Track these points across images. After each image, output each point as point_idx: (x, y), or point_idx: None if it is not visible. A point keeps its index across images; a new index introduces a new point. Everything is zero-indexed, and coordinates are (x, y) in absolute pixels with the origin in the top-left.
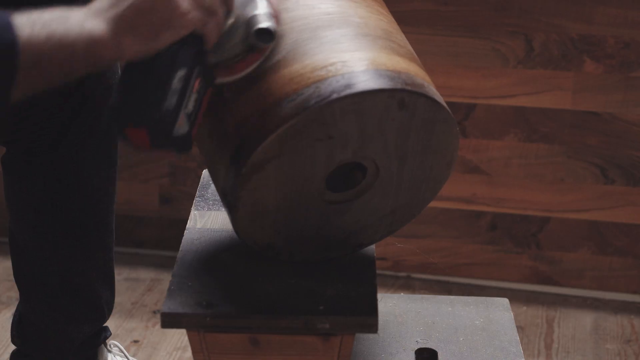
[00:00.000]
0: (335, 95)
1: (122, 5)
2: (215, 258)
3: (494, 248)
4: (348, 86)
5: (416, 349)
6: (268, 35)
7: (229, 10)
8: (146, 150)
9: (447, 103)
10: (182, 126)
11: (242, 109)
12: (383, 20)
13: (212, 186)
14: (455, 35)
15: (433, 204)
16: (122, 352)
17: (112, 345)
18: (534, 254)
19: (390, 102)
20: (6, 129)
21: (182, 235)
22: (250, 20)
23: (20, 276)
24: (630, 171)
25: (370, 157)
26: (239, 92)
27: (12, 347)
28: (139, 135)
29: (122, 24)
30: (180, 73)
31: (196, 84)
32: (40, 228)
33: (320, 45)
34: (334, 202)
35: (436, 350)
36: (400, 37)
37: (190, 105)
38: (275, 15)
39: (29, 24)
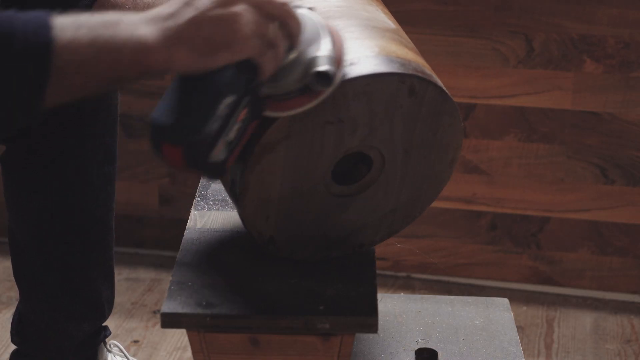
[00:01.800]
0: (347, 77)
1: (183, 17)
2: (215, 258)
3: (494, 248)
4: (358, 70)
5: (416, 349)
6: (326, 79)
7: (292, 46)
8: (178, 169)
9: None
10: (219, 153)
11: None
12: (389, 19)
13: (212, 186)
14: (456, 35)
15: (433, 203)
16: (122, 352)
17: (112, 345)
18: (534, 254)
19: (401, 87)
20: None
21: (182, 235)
22: (311, 61)
23: (20, 275)
24: (630, 171)
25: (376, 147)
26: None
27: (12, 347)
28: (174, 154)
29: (178, 35)
30: (228, 100)
31: (242, 114)
32: (40, 227)
33: None
34: (337, 195)
35: (436, 350)
36: (405, 36)
37: (232, 134)
38: (337, 60)
39: (73, 26)
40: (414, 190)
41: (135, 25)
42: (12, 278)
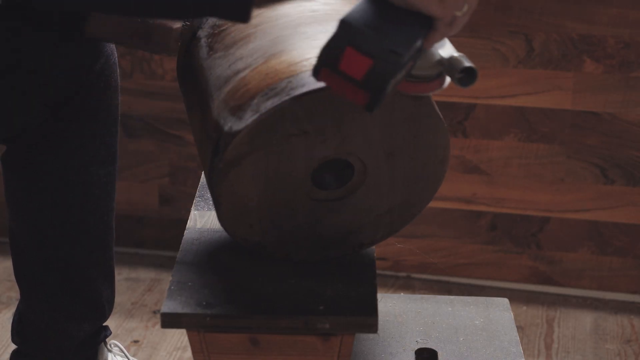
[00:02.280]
0: (305, 89)
1: None
2: (215, 258)
3: (494, 248)
4: (310, 85)
5: (416, 349)
6: (473, 76)
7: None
8: (340, 86)
9: (447, 103)
10: (391, 85)
11: (221, 108)
12: None
13: None
14: (456, 35)
15: (433, 204)
16: (122, 351)
17: (112, 345)
18: (534, 254)
19: None
20: (9, 125)
21: (182, 235)
22: (455, 58)
23: (21, 275)
24: (630, 171)
25: (354, 154)
26: (220, 91)
27: (13, 347)
28: (359, 63)
29: None
30: (419, 43)
31: (409, 65)
32: (40, 226)
33: (298, 42)
34: (322, 200)
35: (436, 350)
36: None
37: (400, 76)
38: None
39: None
40: (407, 191)
41: None
42: (12, 278)
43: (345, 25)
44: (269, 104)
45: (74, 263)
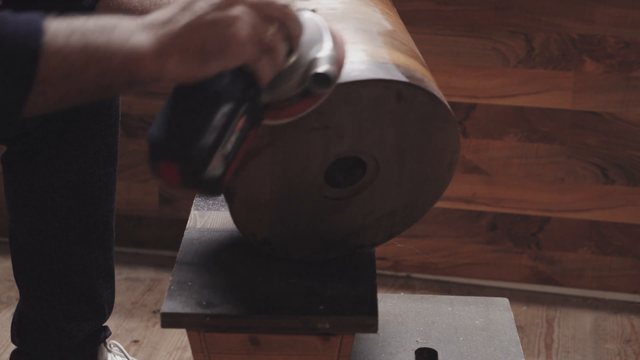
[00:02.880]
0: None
1: (179, 22)
2: (215, 258)
3: (494, 248)
4: (344, 75)
5: (416, 348)
6: (326, 81)
7: (292, 49)
8: (175, 188)
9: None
10: (215, 168)
11: None
12: (387, 20)
13: None
14: (456, 34)
15: None
16: (122, 351)
17: (112, 345)
18: (534, 253)
19: (387, 93)
20: (10, 128)
21: (182, 235)
22: (311, 63)
23: (21, 274)
24: (630, 171)
25: (368, 152)
26: None
27: (12, 347)
28: (170, 171)
29: (173, 42)
30: (225, 109)
31: (240, 123)
32: (40, 226)
33: None
34: (331, 197)
35: (436, 350)
36: (404, 36)
37: (229, 145)
38: (339, 61)
39: (67, 31)
40: (412, 193)
41: (131, 31)
42: (12, 278)
43: (148, 138)
44: None
45: (73, 263)
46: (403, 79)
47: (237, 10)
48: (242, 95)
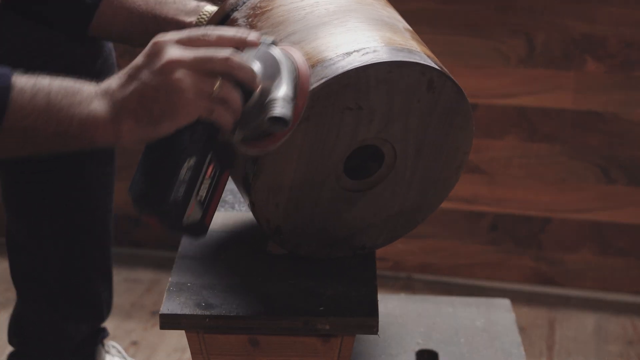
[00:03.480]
0: (373, 61)
1: (128, 89)
2: (215, 258)
3: (495, 249)
4: (382, 56)
5: (417, 350)
6: (282, 123)
7: (252, 89)
8: (165, 232)
9: None
10: (192, 214)
11: None
12: (397, 16)
13: None
14: (456, 34)
15: None
16: (121, 353)
17: (110, 346)
18: (536, 254)
19: (421, 79)
20: None
21: (181, 235)
22: (267, 105)
23: (18, 275)
24: (632, 171)
25: (389, 142)
26: None
27: (10, 349)
28: (153, 222)
29: (124, 108)
30: (190, 162)
31: (209, 170)
32: (38, 227)
33: (344, 25)
34: (348, 189)
35: (437, 351)
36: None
37: (203, 192)
38: (303, 88)
39: (32, 90)
40: (420, 194)
41: (90, 98)
42: (10, 279)
43: (129, 194)
44: (333, 72)
45: (71, 263)
46: (437, 66)
47: (179, 74)
48: (204, 146)
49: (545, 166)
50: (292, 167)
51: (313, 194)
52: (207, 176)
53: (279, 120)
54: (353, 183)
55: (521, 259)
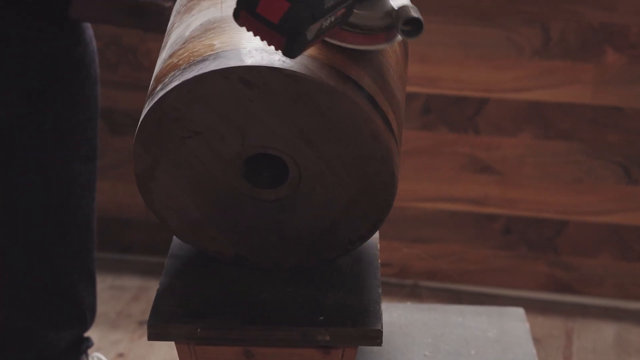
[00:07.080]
0: (173, 85)
1: None
2: (207, 264)
3: (508, 253)
4: (183, 76)
5: None
6: (419, 27)
7: None
8: (258, 29)
9: (457, 97)
10: (311, 31)
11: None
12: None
13: None
14: (467, 23)
15: (441, 205)
16: None
17: (95, 358)
18: (551, 259)
19: (230, 82)
20: None
21: (171, 239)
22: (403, 8)
23: (0, 279)
24: None
25: (271, 147)
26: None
27: None
28: (274, 5)
29: None
30: None
31: (340, 12)
32: (20, 227)
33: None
34: (271, 200)
35: None
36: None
37: (327, 22)
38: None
39: None
40: (357, 177)
41: None
42: None
43: None
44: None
45: (53, 267)
46: (243, 63)
47: None
48: None
49: (562, 165)
50: (186, 201)
51: (237, 216)
52: (337, 13)
53: (417, 23)
54: (272, 193)
55: (535, 264)
